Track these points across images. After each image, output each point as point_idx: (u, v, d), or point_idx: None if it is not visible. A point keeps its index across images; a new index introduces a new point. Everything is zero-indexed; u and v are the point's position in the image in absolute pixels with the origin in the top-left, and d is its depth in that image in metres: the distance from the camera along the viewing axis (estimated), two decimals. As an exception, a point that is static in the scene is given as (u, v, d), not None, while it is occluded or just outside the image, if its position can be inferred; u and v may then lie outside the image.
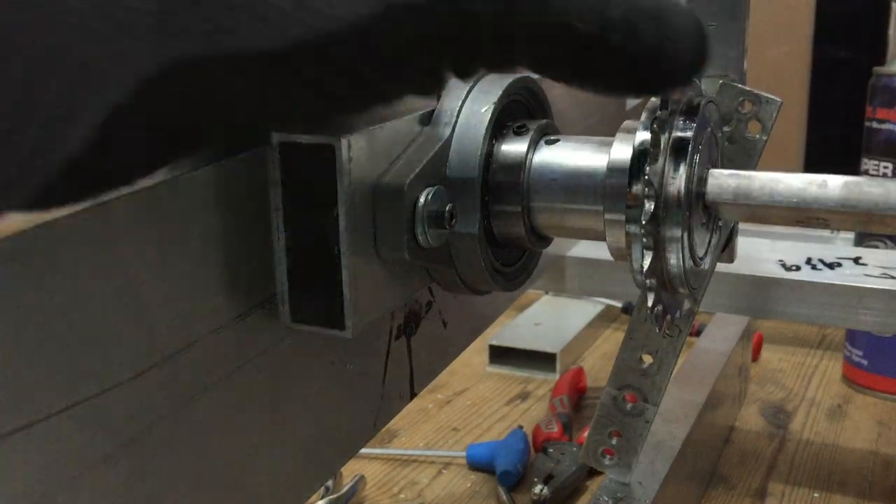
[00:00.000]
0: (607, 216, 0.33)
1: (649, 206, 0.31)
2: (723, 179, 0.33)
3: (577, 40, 0.25)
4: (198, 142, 0.24)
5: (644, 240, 0.31)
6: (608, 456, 0.54)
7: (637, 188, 0.31)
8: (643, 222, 0.31)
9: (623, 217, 0.32)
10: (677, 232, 0.31)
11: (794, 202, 0.32)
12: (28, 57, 0.16)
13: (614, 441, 0.53)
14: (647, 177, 0.31)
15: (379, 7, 0.21)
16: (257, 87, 0.21)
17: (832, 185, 0.32)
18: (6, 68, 0.16)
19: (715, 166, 0.34)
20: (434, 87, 0.26)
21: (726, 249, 0.50)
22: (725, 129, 0.43)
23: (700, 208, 0.34)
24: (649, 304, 0.32)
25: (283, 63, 0.20)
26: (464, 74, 0.26)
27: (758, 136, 0.44)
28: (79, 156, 0.19)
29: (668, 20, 0.27)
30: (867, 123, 0.85)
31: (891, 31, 0.89)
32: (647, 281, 0.32)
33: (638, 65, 0.27)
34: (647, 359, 0.51)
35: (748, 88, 0.44)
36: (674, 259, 0.32)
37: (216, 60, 0.19)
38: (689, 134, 0.31)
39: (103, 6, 0.17)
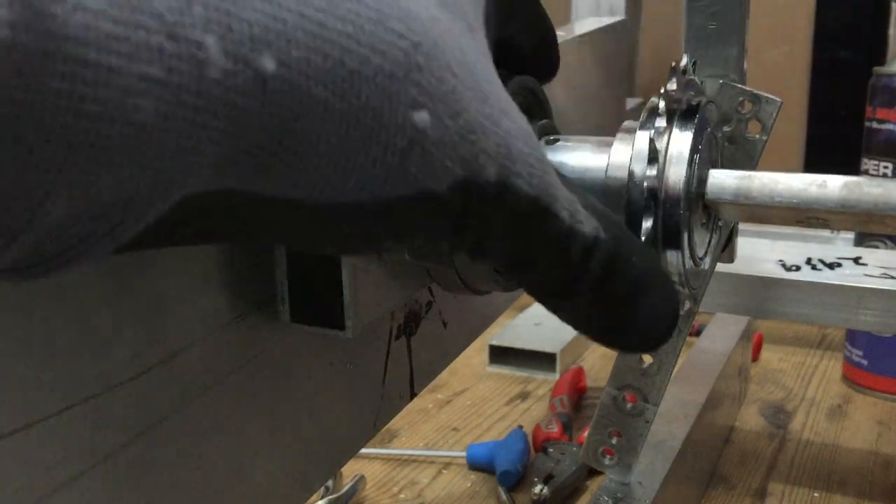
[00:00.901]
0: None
1: (649, 205, 0.31)
2: (723, 179, 0.33)
3: (559, 271, 0.25)
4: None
5: (643, 239, 0.31)
6: (608, 456, 0.54)
7: (636, 188, 0.31)
8: (642, 222, 0.31)
9: (623, 217, 0.32)
10: (677, 231, 0.31)
11: (794, 202, 0.32)
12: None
13: (614, 441, 0.53)
14: (646, 177, 0.31)
15: (409, 191, 0.21)
16: (283, 227, 0.21)
17: (832, 185, 0.32)
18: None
19: (715, 166, 0.34)
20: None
21: (726, 249, 0.50)
22: (725, 129, 0.43)
23: (700, 208, 0.34)
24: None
25: (307, 213, 0.21)
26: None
27: (758, 136, 0.44)
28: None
29: (644, 294, 0.27)
30: (867, 123, 0.85)
31: (891, 31, 0.89)
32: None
33: (599, 319, 0.27)
34: (647, 359, 0.51)
35: (748, 88, 0.44)
36: (673, 259, 0.32)
37: (258, 198, 0.19)
38: (689, 134, 0.31)
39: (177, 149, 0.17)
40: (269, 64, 0.17)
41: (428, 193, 0.21)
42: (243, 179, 0.19)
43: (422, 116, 0.20)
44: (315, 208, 0.20)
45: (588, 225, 0.25)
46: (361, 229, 0.22)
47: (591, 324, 0.28)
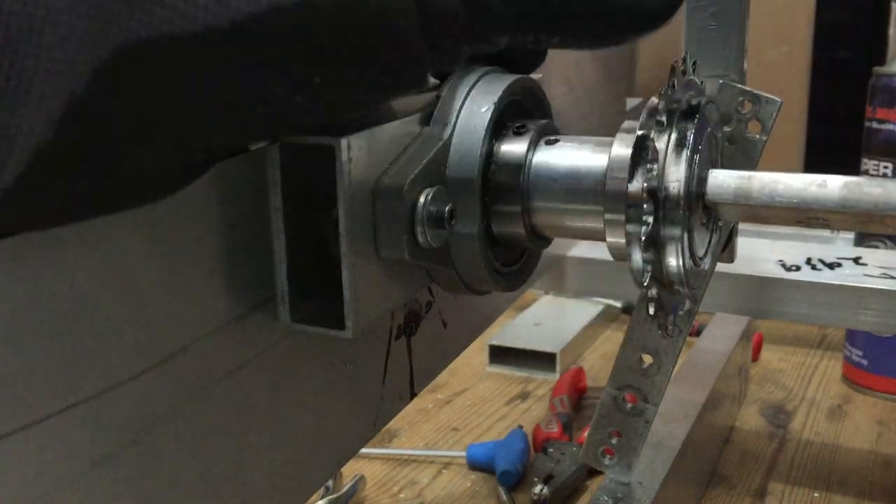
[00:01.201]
0: (607, 216, 0.33)
1: (649, 205, 0.31)
2: (723, 179, 0.33)
3: None
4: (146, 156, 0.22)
5: (644, 239, 0.31)
6: (608, 456, 0.54)
7: (637, 188, 0.31)
8: (643, 222, 0.31)
9: (623, 217, 0.32)
10: (677, 232, 0.31)
11: (794, 202, 0.32)
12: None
13: (614, 441, 0.53)
14: (647, 177, 0.31)
15: None
16: (203, 75, 0.20)
17: (832, 185, 0.32)
18: None
19: (715, 166, 0.34)
20: (410, 72, 0.24)
21: (726, 249, 0.50)
22: (725, 129, 0.43)
23: (700, 208, 0.34)
24: (648, 304, 0.32)
25: (225, 44, 0.19)
26: (438, 48, 0.24)
27: (758, 136, 0.44)
28: (44, 144, 0.18)
29: None
30: (867, 123, 0.85)
31: (891, 31, 0.89)
32: (647, 281, 0.32)
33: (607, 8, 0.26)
34: (647, 359, 0.51)
35: (748, 88, 0.44)
36: (673, 259, 0.32)
37: (155, 47, 0.18)
38: (689, 134, 0.31)
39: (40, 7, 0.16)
40: None
41: None
42: (124, 26, 0.18)
43: None
44: (216, 34, 0.19)
45: None
46: (296, 47, 0.20)
47: (603, 18, 0.26)
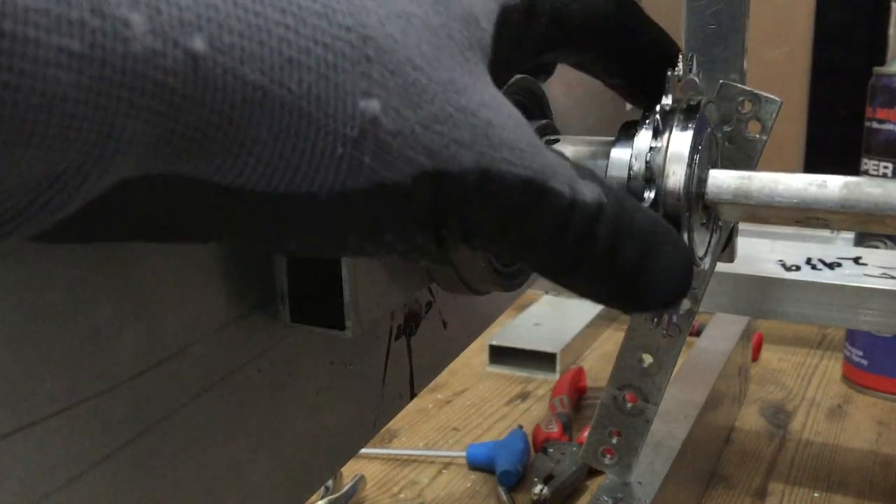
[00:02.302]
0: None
1: (650, 201, 0.31)
2: (723, 179, 0.33)
3: (564, 245, 0.25)
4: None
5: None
6: (608, 455, 0.54)
7: (637, 184, 0.31)
8: None
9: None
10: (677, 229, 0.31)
11: (794, 202, 0.32)
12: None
13: (614, 440, 0.53)
14: (646, 176, 0.31)
15: (366, 184, 0.21)
16: (231, 213, 0.21)
17: (832, 185, 0.32)
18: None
19: (715, 166, 0.34)
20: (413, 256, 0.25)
21: (726, 249, 0.50)
22: (725, 128, 0.43)
23: (700, 208, 0.34)
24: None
25: (263, 206, 0.21)
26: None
27: (758, 136, 0.44)
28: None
29: (655, 253, 0.27)
30: (867, 123, 0.85)
31: (891, 31, 0.89)
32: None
33: (611, 285, 0.27)
34: (648, 358, 0.51)
35: (748, 88, 0.43)
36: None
37: (201, 183, 0.20)
38: (688, 134, 0.31)
39: (103, 130, 0.17)
40: (199, 45, 0.18)
41: (389, 186, 0.21)
42: (180, 162, 0.19)
43: (371, 105, 0.20)
44: (264, 198, 0.20)
45: (590, 193, 0.25)
46: (321, 223, 0.22)
47: (605, 292, 0.27)
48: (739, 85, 0.44)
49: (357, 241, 0.23)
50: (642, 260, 0.26)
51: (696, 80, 0.34)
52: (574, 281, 0.27)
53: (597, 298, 0.28)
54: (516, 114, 0.24)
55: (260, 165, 0.20)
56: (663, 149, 0.31)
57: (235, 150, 0.19)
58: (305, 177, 0.20)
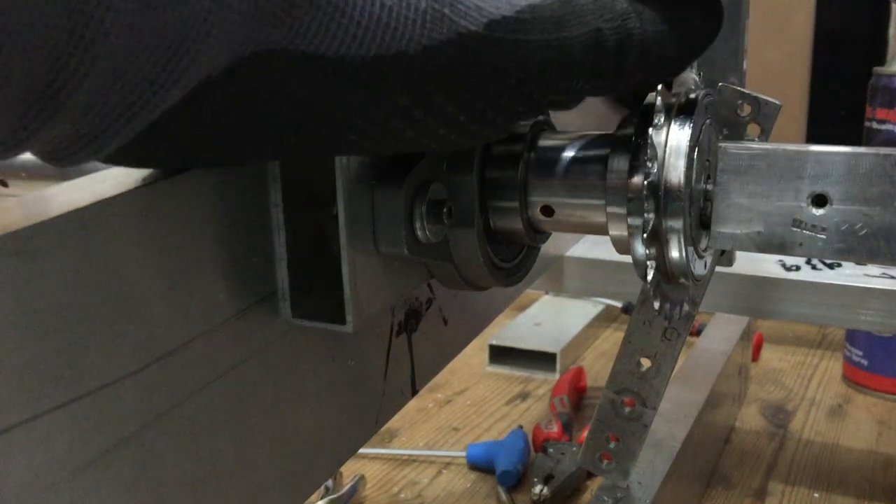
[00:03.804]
0: (609, 209, 0.33)
1: (650, 198, 0.31)
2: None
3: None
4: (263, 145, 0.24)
5: (646, 232, 0.31)
6: (606, 460, 0.54)
7: (637, 180, 0.31)
8: (644, 214, 0.31)
9: (624, 210, 0.32)
10: (679, 224, 0.31)
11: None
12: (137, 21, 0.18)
13: (612, 445, 0.53)
14: (647, 170, 0.31)
15: (449, 34, 0.22)
16: (332, 95, 0.22)
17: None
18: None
19: (714, 156, 0.34)
20: (508, 125, 0.26)
21: (725, 253, 0.50)
22: (725, 131, 0.43)
23: (701, 201, 0.34)
24: (652, 296, 0.32)
25: (356, 73, 0.21)
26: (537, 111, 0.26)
27: (757, 138, 0.44)
28: (166, 118, 0.20)
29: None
30: (867, 123, 0.85)
31: (891, 31, 0.89)
32: (651, 274, 0.32)
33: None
34: (646, 363, 0.50)
35: (747, 91, 0.43)
36: (676, 251, 0.32)
37: (298, 57, 0.20)
38: (687, 128, 0.32)
39: None
40: None
41: (466, 35, 0.22)
42: (275, 32, 0.20)
43: None
44: (356, 63, 0.21)
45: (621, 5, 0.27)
46: (412, 84, 0.22)
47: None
48: (738, 88, 0.44)
49: (443, 103, 0.23)
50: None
51: (696, 77, 0.34)
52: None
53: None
54: None
55: (351, 26, 0.20)
56: (663, 142, 0.31)
57: (331, 13, 0.20)
58: (396, 34, 0.21)
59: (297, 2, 0.20)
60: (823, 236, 0.31)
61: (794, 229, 0.31)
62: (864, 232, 0.30)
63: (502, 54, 0.23)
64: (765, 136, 0.43)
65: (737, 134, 0.43)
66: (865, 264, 0.68)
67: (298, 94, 0.21)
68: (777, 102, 0.43)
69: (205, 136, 0.22)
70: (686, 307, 0.42)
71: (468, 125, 0.24)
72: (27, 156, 0.21)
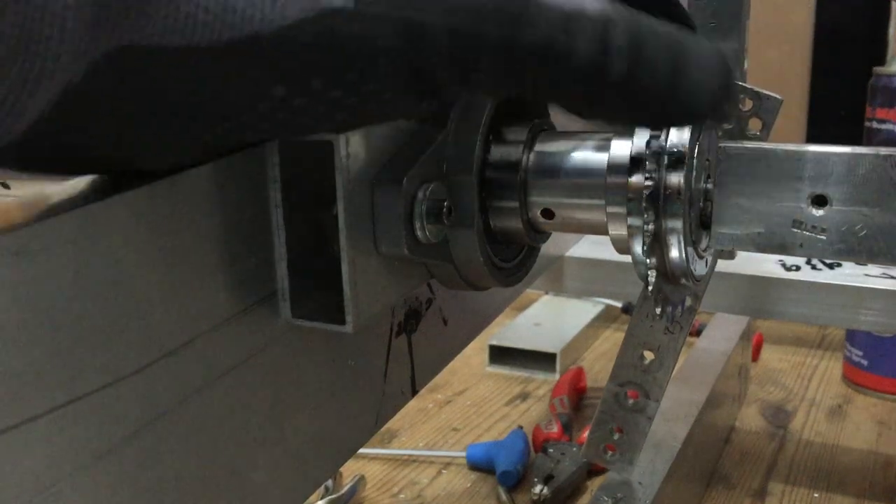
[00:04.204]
0: (609, 209, 0.33)
1: (650, 198, 0.31)
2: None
3: (576, 68, 0.23)
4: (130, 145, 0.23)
5: (646, 231, 0.31)
6: (610, 452, 0.54)
7: (637, 180, 0.31)
8: (644, 214, 0.31)
9: (624, 210, 0.32)
10: (679, 224, 0.31)
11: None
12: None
13: (616, 437, 0.53)
14: (647, 170, 0.31)
15: (311, 12, 0.20)
16: (204, 88, 0.21)
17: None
18: None
19: (714, 156, 0.34)
20: (397, 110, 0.24)
21: (727, 248, 0.50)
22: (726, 126, 0.43)
23: (701, 201, 0.34)
24: (650, 293, 0.32)
25: (215, 61, 0.20)
26: (429, 99, 0.23)
27: (758, 133, 0.44)
28: (36, 128, 0.20)
29: (684, 51, 0.24)
30: (867, 123, 0.85)
31: (891, 31, 0.89)
32: (649, 271, 0.32)
33: (647, 99, 0.24)
34: (649, 355, 0.51)
35: (749, 86, 0.43)
36: (676, 251, 0.32)
37: (151, 51, 0.20)
38: (687, 130, 0.32)
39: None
40: None
41: (331, 11, 0.20)
42: (117, 32, 0.19)
43: None
44: (211, 52, 0.20)
45: (592, 5, 0.23)
46: (280, 68, 0.21)
47: (641, 108, 0.25)
48: (740, 83, 0.44)
49: (321, 88, 0.21)
50: (671, 63, 0.24)
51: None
52: (607, 105, 0.24)
53: (638, 118, 0.26)
54: None
55: (200, 13, 0.19)
56: (663, 142, 0.31)
57: (165, 2, 0.19)
58: (244, 15, 0.20)
59: (139, 3, 0.19)
60: (823, 237, 0.31)
61: (795, 230, 0.31)
62: (863, 233, 0.30)
63: (381, 28, 0.21)
64: (766, 130, 0.43)
65: (738, 128, 0.43)
66: (866, 264, 0.68)
67: (165, 88, 0.20)
68: (778, 97, 0.43)
69: (83, 141, 0.22)
70: (688, 302, 0.42)
71: (366, 106, 0.22)
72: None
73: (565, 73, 0.23)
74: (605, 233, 0.33)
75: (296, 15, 0.20)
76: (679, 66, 0.24)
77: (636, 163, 0.31)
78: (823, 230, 0.31)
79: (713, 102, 0.25)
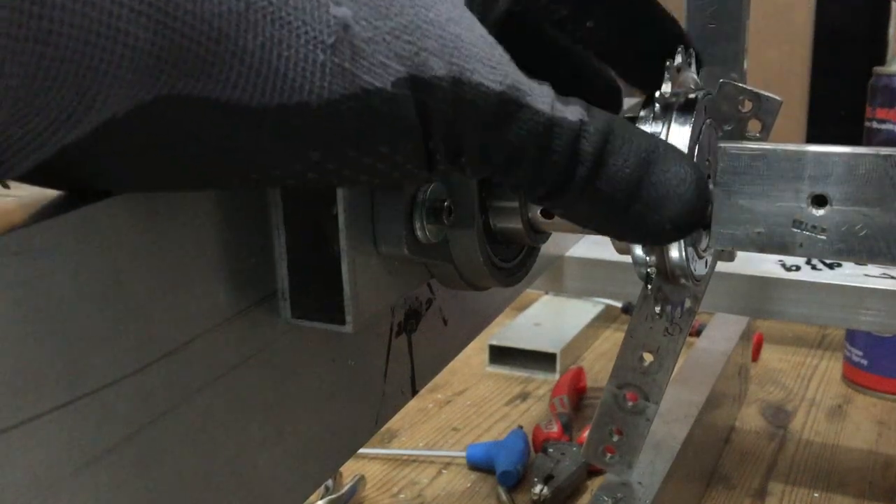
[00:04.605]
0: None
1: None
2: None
3: (547, 169, 0.25)
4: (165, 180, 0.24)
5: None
6: (609, 454, 0.54)
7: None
8: None
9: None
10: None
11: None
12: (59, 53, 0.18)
13: (615, 439, 0.53)
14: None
15: (354, 89, 0.22)
16: (234, 137, 0.22)
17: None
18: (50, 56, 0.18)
19: (714, 156, 0.34)
20: (412, 175, 0.26)
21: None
22: (726, 127, 0.43)
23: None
24: (650, 293, 0.32)
25: (260, 121, 0.22)
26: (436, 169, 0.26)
27: (758, 134, 0.44)
28: (70, 152, 0.21)
29: (657, 167, 0.26)
30: (867, 123, 0.85)
31: (891, 31, 0.89)
32: (649, 270, 0.32)
33: (607, 209, 0.26)
34: (648, 357, 0.50)
35: (748, 87, 0.43)
36: (675, 251, 0.32)
37: (200, 102, 0.21)
38: (687, 128, 0.32)
39: (108, 34, 0.19)
40: None
41: (372, 91, 0.22)
42: (177, 78, 0.20)
43: (342, 11, 0.22)
44: (262, 114, 0.22)
45: (573, 113, 0.25)
46: (319, 136, 0.23)
47: (602, 218, 0.27)
48: (740, 83, 0.44)
49: (355, 156, 0.23)
50: (641, 174, 0.26)
51: (696, 76, 0.34)
52: (566, 207, 0.27)
53: (596, 227, 0.27)
54: (487, 34, 0.25)
55: (251, 75, 0.21)
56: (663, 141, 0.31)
57: (228, 61, 0.21)
58: (294, 85, 0.22)
59: (194, 50, 0.20)
60: (824, 237, 0.31)
61: (795, 230, 0.31)
62: (864, 233, 0.30)
63: (408, 110, 0.23)
64: (766, 131, 0.43)
65: (738, 130, 0.43)
66: (866, 264, 0.68)
67: (205, 137, 0.22)
68: (778, 98, 0.43)
69: (114, 167, 0.23)
70: (688, 303, 0.42)
71: (390, 173, 0.25)
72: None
73: (537, 171, 0.26)
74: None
75: (340, 91, 0.22)
76: (646, 180, 0.26)
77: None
78: (823, 230, 0.31)
79: (678, 223, 0.27)
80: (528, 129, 0.25)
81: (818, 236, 0.31)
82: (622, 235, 0.29)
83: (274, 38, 0.21)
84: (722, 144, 0.32)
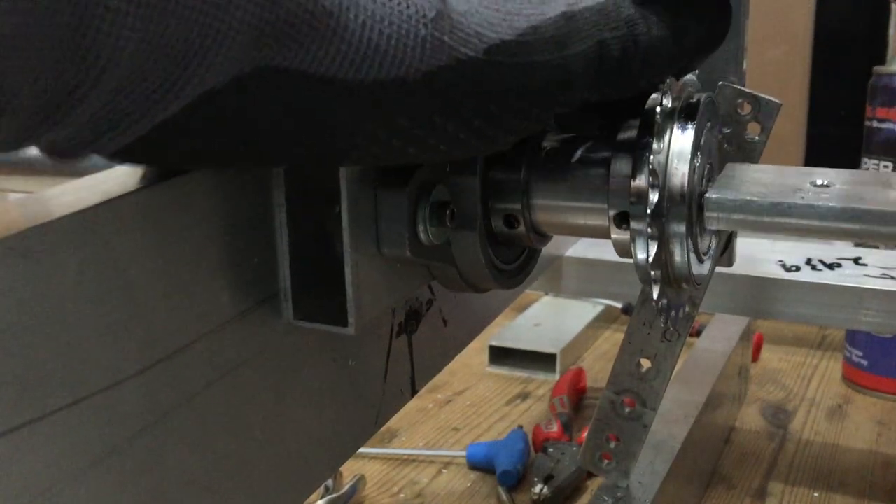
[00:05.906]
0: (612, 212, 0.33)
1: (653, 200, 0.31)
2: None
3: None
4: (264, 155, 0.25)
5: (649, 234, 0.31)
6: (606, 460, 0.54)
7: (640, 184, 0.31)
8: (647, 217, 0.31)
9: (627, 213, 0.32)
10: (681, 228, 0.31)
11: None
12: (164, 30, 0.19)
13: (612, 445, 0.53)
14: (650, 172, 0.31)
15: (447, 61, 0.23)
16: (333, 114, 0.23)
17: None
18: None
19: (716, 159, 0.34)
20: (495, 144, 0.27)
21: (725, 253, 0.50)
22: (725, 130, 0.43)
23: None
24: (654, 296, 0.32)
25: (354, 94, 0.22)
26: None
27: (757, 137, 0.44)
28: (168, 125, 0.21)
29: None
30: (867, 123, 0.85)
31: (891, 31, 0.89)
32: (652, 272, 0.32)
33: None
34: (646, 363, 0.50)
35: (747, 90, 0.43)
36: (678, 255, 0.32)
37: (297, 76, 0.21)
38: (689, 132, 0.32)
39: (221, 4, 0.19)
40: None
41: (465, 61, 0.23)
42: (280, 52, 0.21)
43: None
44: (356, 86, 0.22)
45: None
46: (410, 107, 0.23)
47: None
48: (738, 87, 0.44)
49: (442, 124, 0.24)
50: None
51: (695, 78, 0.34)
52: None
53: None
54: None
55: (350, 51, 0.21)
56: (665, 148, 0.31)
57: (329, 37, 0.21)
58: (395, 60, 0.22)
59: (298, 25, 0.20)
60: (826, 194, 0.31)
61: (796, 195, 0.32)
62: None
63: (502, 77, 0.24)
64: (765, 134, 0.43)
65: (737, 132, 0.43)
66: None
67: (299, 110, 0.22)
68: (776, 101, 0.43)
69: (206, 141, 0.23)
70: (686, 308, 0.42)
71: (469, 141, 0.25)
72: (31, 153, 0.22)
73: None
74: (607, 236, 0.33)
75: (437, 63, 0.23)
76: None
77: (639, 166, 0.31)
78: (826, 194, 0.31)
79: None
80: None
81: (821, 194, 0.32)
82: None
83: (376, 14, 0.21)
84: (707, 195, 0.32)
